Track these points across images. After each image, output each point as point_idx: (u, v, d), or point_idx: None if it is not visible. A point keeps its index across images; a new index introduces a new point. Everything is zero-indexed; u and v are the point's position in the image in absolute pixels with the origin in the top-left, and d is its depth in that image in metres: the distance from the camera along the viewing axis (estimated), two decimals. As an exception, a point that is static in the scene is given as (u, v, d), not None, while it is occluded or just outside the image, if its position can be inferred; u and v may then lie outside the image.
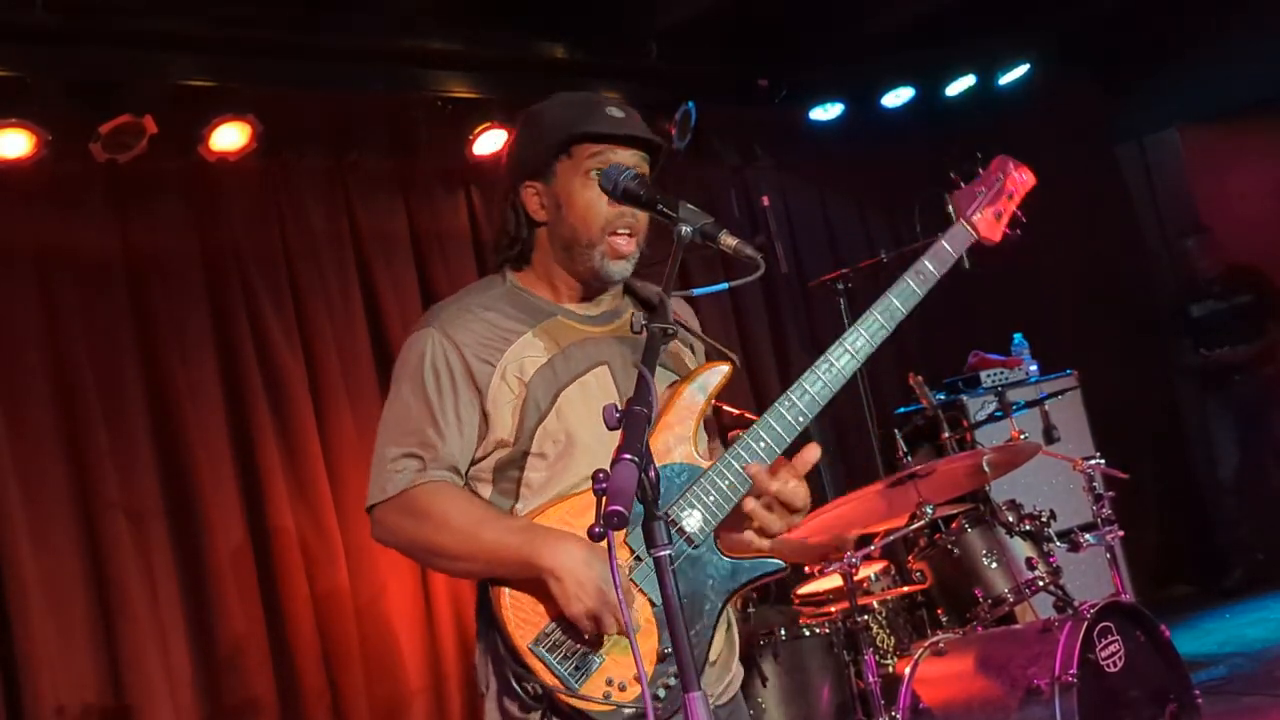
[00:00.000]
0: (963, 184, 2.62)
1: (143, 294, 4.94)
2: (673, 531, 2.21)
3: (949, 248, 2.49)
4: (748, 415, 4.43)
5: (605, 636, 2.23)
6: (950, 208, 2.59)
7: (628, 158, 2.36)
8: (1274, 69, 7.03)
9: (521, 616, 2.22)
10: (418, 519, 2.31)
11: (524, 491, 2.35)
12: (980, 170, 2.64)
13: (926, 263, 2.44)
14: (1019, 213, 2.62)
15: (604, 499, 1.72)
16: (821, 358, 2.34)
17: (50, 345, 4.68)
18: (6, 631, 4.40)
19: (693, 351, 2.56)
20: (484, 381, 2.32)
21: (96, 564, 4.63)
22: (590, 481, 2.25)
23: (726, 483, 2.26)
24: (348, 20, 5.12)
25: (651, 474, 1.80)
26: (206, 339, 5.05)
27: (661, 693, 2.22)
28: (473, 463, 2.39)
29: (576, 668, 2.21)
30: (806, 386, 2.30)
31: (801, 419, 2.29)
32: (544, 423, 2.32)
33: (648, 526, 1.81)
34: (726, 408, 4.49)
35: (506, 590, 2.24)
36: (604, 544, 2.21)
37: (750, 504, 2.26)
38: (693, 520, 2.25)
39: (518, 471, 2.35)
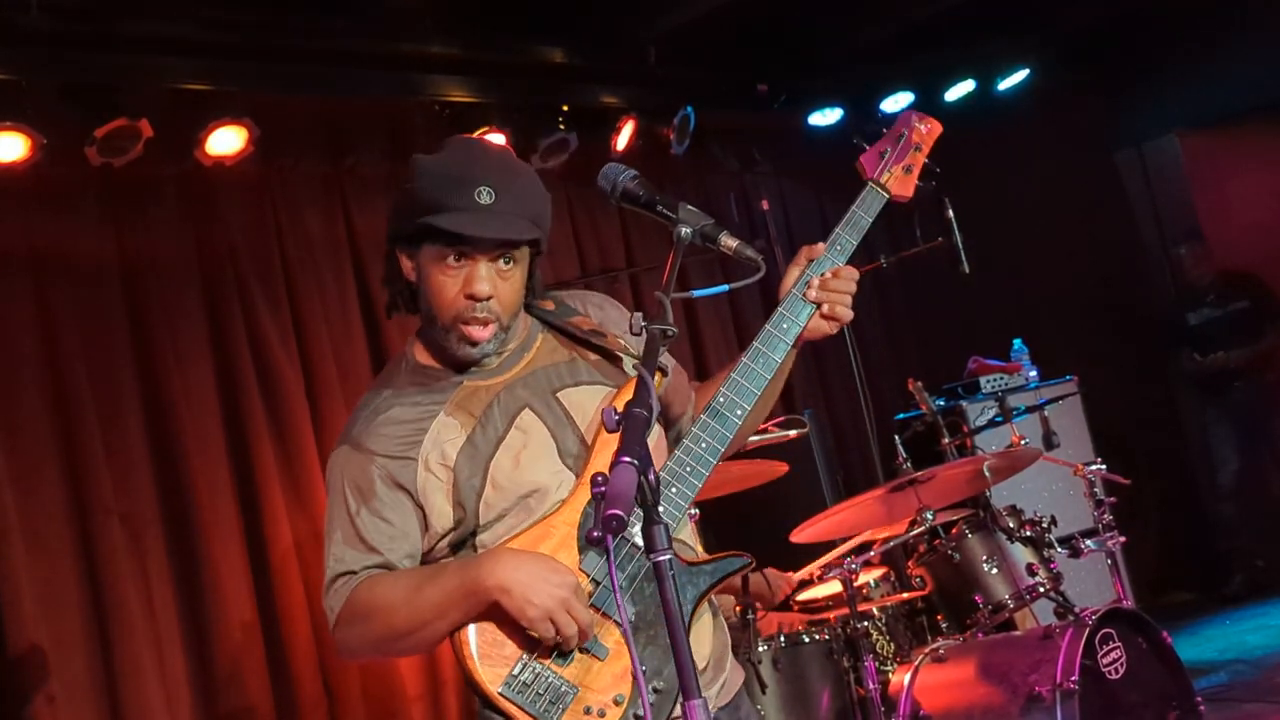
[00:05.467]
0: (867, 146, 2.58)
1: (138, 299, 4.92)
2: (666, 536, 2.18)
3: (862, 213, 2.48)
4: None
5: (573, 662, 2.19)
6: (859, 170, 2.56)
7: (485, 248, 2.21)
8: (1273, 75, 7.03)
9: (488, 664, 2.18)
10: (366, 619, 2.27)
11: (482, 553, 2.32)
12: (884, 130, 2.60)
13: (842, 233, 2.44)
14: (930, 163, 2.58)
15: (602, 503, 1.69)
16: (751, 348, 2.33)
17: (45, 350, 4.66)
18: (1, 639, 4.38)
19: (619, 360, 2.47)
20: (410, 479, 2.27)
21: (92, 570, 4.61)
22: (537, 515, 2.26)
23: (674, 490, 2.22)
24: (345, 24, 5.10)
25: (651, 477, 1.77)
26: (203, 344, 5.03)
27: (641, 711, 2.19)
28: (424, 555, 2.34)
29: (551, 703, 2.17)
30: (739, 378, 2.30)
31: (740, 411, 2.28)
32: (483, 498, 2.27)
33: (648, 531, 1.78)
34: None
35: (470, 639, 2.20)
36: (540, 548, 2.21)
37: (812, 292, 2.35)
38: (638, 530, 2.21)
39: (471, 540, 2.31)
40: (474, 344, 2.28)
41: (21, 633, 4.37)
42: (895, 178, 2.52)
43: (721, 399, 2.28)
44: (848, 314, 2.40)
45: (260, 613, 4.95)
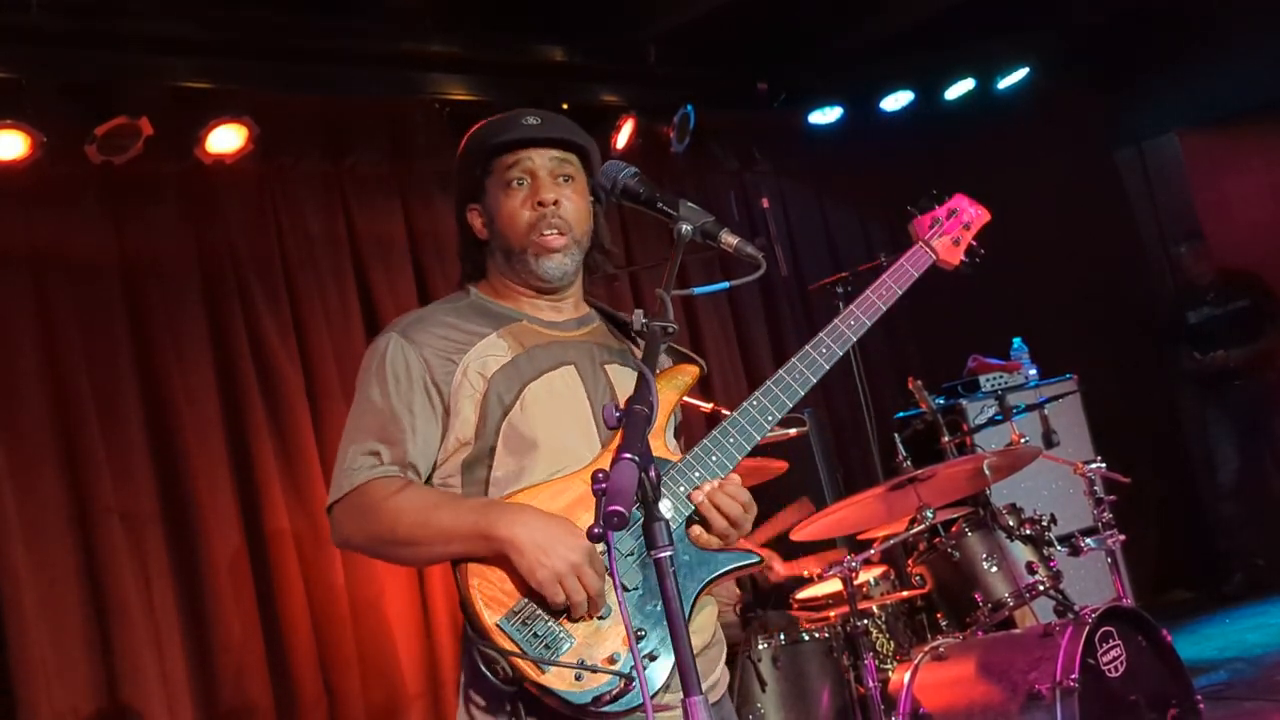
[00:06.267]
0: (919, 213, 2.82)
1: (138, 297, 4.92)
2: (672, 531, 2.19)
3: (910, 268, 2.67)
4: (720, 410, 4.44)
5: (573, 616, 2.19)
6: (911, 232, 2.80)
7: (544, 161, 2.40)
8: (1273, 74, 7.03)
9: (489, 594, 2.19)
10: (372, 512, 2.29)
11: (492, 491, 2.33)
12: (938, 204, 2.85)
13: (889, 280, 2.60)
14: (976, 244, 2.84)
15: (604, 499, 1.69)
16: (790, 362, 2.40)
17: (45, 348, 4.66)
18: (1, 638, 4.38)
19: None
20: (444, 379, 2.34)
21: (92, 569, 4.61)
22: (559, 472, 2.28)
23: (697, 474, 2.27)
24: (345, 23, 5.11)
25: (652, 474, 1.77)
26: (203, 343, 5.03)
27: (634, 672, 2.18)
28: (436, 466, 2.38)
29: (546, 647, 2.17)
30: (774, 388, 2.36)
31: (770, 418, 2.34)
32: (509, 416, 2.32)
33: (648, 528, 1.79)
34: (692, 401, 4.50)
35: (473, 569, 2.21)
36: (560, 500, 2.23)
37: (698, 496, 2.28)
38: (663, 509, 2.22)
39: (485, 469, 2.34)
40: (550, 253, 2.39)
41: (21, 632, 4.37)
42: (944, 245, 2.78)
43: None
44: (720, 522, 2.27)
45: (260, 612, 4.95)
